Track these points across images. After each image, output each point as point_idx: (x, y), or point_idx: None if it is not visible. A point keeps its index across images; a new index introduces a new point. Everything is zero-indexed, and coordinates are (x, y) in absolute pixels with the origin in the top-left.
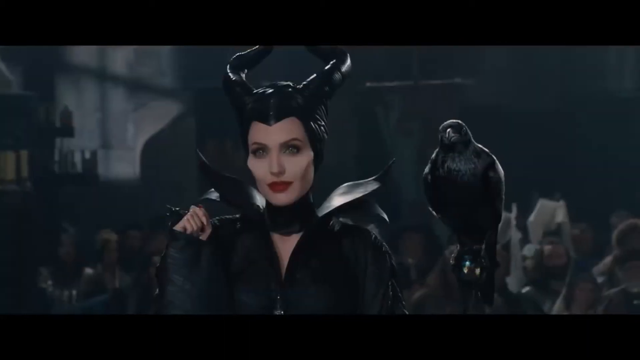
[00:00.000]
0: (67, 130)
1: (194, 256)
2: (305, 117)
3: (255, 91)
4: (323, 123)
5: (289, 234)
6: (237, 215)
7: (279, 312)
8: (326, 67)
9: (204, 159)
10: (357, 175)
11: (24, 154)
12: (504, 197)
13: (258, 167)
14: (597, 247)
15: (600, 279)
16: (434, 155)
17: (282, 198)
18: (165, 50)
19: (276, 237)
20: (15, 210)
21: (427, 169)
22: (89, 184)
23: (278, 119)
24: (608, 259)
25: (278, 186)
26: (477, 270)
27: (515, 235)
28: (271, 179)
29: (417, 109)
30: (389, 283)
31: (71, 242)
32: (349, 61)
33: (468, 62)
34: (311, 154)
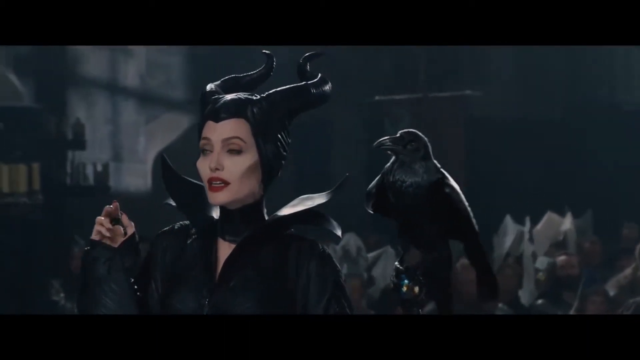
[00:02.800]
0: (79, 143)
1: (107, 266)
2: (256, 123)
3: (216, 97)
4: (280, 137)
5: (235, 241)
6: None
7: None
8: (296, 85)
9: (170, 163)
10: (364, 186)
11: (36, 166)
12: (469, 212)
13: (202, 165)
14: (607, 259)
15: (615, 291)
16: (388, 164)
17: (218, 197)
18: (175, 62)
19: (223, 245)
20: (27, 222)
21: (376, 178)
22: (100, 197)
23: (225, 117)
24: (628, 271)
25: (215, 185)
26: (416, 288)
27: (528, 248)
28: (210, 174)
29: (424, 120)
30: (332, 297)
31: (82, 254)
32: (327, 87)
33: (476, 74)
34: (255, 159)
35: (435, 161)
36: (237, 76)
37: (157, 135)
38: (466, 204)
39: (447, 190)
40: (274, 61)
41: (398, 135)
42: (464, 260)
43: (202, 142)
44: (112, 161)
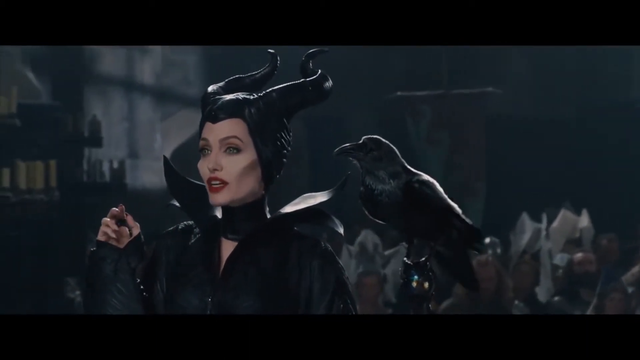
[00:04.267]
0: (95, 140)
1: (113, 267)
2: (253, 122)
3: (215, 98)
4: (280, 135)
5: (237, 240)
6: None
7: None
8: (294, 82)
9: (172, 164)
10: None
11: (53, 163)
12: (447, 203)
13: (202, 166)
14: (625, 256)
15: (629, 289)
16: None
17: (218, 198)
18: (190, 60)
19: (226, 243)
20: (44, 219)
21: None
22: (116, 194)
23: (223, 118)
24: (636, 269)
25: (215, 186)
26: (426, 284)
27: (545, 244)
28: (209, 175)
29: (446, 118)
30: (335, 295)
31: (89, 255)
32: (327, 84)
33: (498, 72)
34: (254, 158)
35: (403, 163)
36: (241, 76)
37: (172, 132)
38: (442, 194)
39: (416, 186)
40: (277, 60)
41: (361, 141)
42: (480, 257)
43: (201, 143)
44: (128, 158)
